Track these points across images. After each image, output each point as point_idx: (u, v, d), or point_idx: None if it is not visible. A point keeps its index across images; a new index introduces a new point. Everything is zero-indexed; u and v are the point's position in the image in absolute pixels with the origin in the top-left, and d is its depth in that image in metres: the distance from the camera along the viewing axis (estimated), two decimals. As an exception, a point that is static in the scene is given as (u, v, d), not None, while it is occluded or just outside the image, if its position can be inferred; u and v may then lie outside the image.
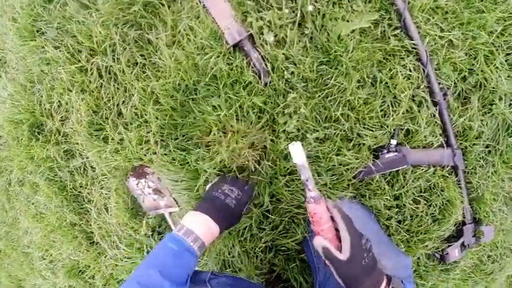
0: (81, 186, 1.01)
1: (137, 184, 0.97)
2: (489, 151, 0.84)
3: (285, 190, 0.80)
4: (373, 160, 0.79)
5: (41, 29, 0.82)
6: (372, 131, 0.77)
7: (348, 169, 0.78)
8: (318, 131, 0.77)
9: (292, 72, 0.75)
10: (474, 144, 0.82)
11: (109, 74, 0.83)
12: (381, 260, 0.63)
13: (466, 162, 0.83)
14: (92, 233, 1.04)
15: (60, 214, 1.02)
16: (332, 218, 0.58)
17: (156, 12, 0.76)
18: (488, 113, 0.81)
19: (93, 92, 0.84)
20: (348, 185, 0.80)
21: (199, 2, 0.76)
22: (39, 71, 0.86)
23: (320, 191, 0.78)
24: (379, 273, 0.56)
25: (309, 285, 0.86)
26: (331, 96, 0.75)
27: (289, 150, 0.58)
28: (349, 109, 0.76)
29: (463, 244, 0.88)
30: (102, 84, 0.84)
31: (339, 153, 0.77)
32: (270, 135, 0.79)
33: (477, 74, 0.78)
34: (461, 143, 0.82)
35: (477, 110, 0.80)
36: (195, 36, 0.75)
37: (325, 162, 0.78)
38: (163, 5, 0.75)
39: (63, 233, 1.03)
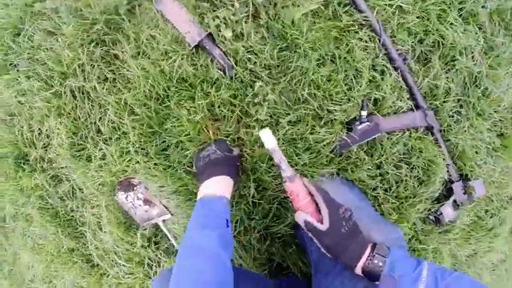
0: (72, 210, 1.07)
1: (126, 197, 1.03)
2: (461, 105, 0.90)
3: (268, 176, 0.87)
4: (346, 133, 0.86)
5: (13, 62, 0.91)
6: (340, 105, 0.84)
7: (324, 145, 0.85)
8: (289, 114, 0.84)
9: (255, 62, 0.83)
10: (444, 101, 0.89)
11: (82, 93, 0.92)
12: (371, 234, 0.68)
13: (440, 120, 0.90)
14: (90, 255, 1.10)
15: (56, 241, 1.08)
16: (311, 194, 0.65)
17: (118, 27, 0.85)
18: (452, 69, 0.88)
19: (69, 114, 0.92)
20: (329, 161, 0.87)
21: (157, 11, 0.85)
22: (16, 103, 0.95)
23: (301, 171, 0.85)
24: (362, 240, 0.61)
25: (308, 268, 0.91)
26: (295, 79, 0.83)
27: (260, 137, 0.66)
28: (314, 88, 0.83)
29: (455, 202, 0.94)
30: (77, 104, 0.92)
31: (313, 131, 0.84)
32: (243, 127, 0.87)
33: (433, 34, 0.86)
34: (431, 103, 0.89)
35: (440, 68, 0.87)
36: (158, 43, 0.84)
37: (301, 143, 0.85)
38: (123, 20, 0.84)
39: (63, 260, 1.10)
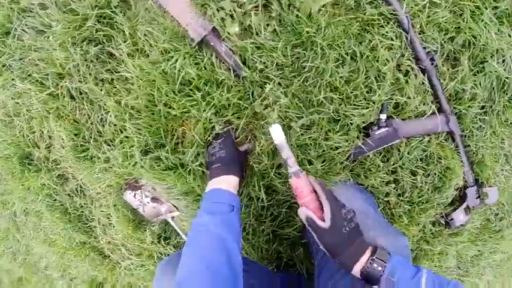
0: (81, 206, 1.06)
1: (134, 196, 1.01)
2: (485, 112, 0.82)
3: (278, 182, 0.82)
4: (363, 139, 0.79)
5: (5, 64, 0.82)
6: (358, 109, 0.76)
7: (338, 153, 0.79)
8: (302, 117, 0.77)
9: (265, 62, 0.74)
10: (469, 107, 0.80)
11: (80, 94, 0.84)
12: (376, 240, 0.66)
13: (461, 126, 0.82)
14: (102, 248, 1.11)
15: (68, 236, 1.09)
16: (315, 191, 0.63)
17: (112, 22, 0.75)
18: (481, 72, 0.78)
19: (69, 115, 0.86)
20: (342, 167, 0.82)
21: (153, 2, 0.74)
22: (14, 104, 0.88)
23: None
24: (362, 243, 0.59)
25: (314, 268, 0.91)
26: (310, 80, 0.74)
27: (269, 132, 0.65)
28: (331, 91, 0.75)
29: (467, 207, 0.90)
30: (76, 106, 0.85)
31: (327, 137, 0.78)
32: (253, 130, 0.80)
33: (465, 33, 0.75)
34: (454, 107, 0.81)
35: (468, 71, 0.77)
36: (156, 41, 0.74)
37: (314, 149, 0.78)
38: (116, 14, 0.73)
39: (75, 252, 1.11)
